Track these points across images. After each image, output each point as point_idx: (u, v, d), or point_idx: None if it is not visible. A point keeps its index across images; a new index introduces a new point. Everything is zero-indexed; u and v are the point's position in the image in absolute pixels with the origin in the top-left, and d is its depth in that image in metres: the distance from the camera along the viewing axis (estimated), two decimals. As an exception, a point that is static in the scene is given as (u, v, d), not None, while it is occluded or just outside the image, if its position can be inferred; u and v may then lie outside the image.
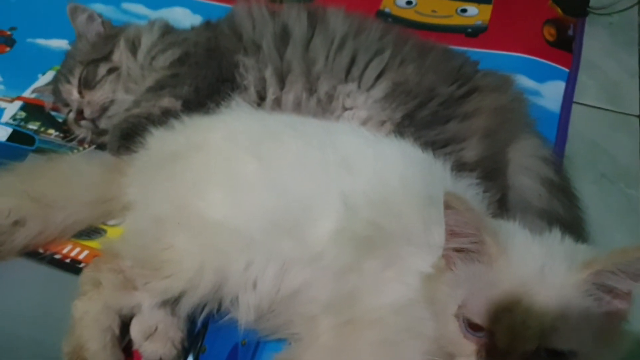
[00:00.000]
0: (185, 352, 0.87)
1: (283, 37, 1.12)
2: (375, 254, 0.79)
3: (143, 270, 0.85)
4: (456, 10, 1.59)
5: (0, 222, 0.94)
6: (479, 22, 1.55)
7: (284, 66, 1.10)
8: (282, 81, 1.10)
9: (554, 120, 1.28)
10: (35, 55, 1.41)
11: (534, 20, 1.54)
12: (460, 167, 0.97)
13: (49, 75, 1.33)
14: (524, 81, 1.33)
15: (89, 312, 0.84)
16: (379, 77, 1.08)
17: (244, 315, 0.84)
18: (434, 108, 1.04)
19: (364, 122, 1.06)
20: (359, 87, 1.08)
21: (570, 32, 1.52)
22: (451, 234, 0.68)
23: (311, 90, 1.08)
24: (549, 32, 1.50)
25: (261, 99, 1.10)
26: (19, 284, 0.96)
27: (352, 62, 1.09)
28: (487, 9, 1.60)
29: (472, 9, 1.60)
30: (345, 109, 1.08)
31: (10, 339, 0.89)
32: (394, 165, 0.88)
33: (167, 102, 1.06)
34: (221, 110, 1.04)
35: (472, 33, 1.52)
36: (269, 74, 1.10)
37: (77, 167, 1.02)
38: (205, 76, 1.09)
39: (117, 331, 0.86)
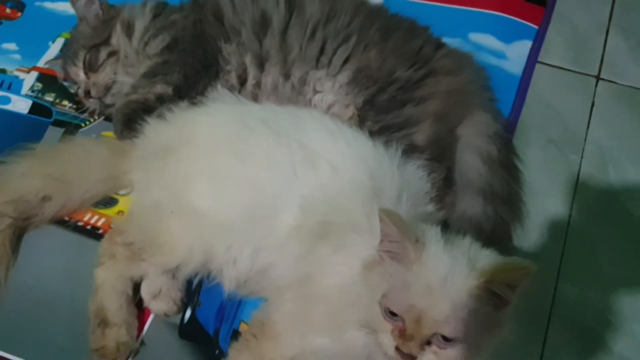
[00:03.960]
0: (184, 306, 1.11)
1: (262, 24, 1.23)
2: (327, 242, 0.97)
3: (146, 247, 1.07)
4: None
5: (31, 199, 1.15)
6: (450, -29, 1.57)
7: (263, 53, 1.22)
8: (261, 66, 1.23)
9: (514, 84, 1.37)
10: (45, 20, 1.51)
11: (511, -33, 1.56)
12: (411, 150, 1.13)
13: (58, 43, 1.47)
14: (491, 41, 1.43)
15: (107, 281, 1.07)
16: (344, 63, 1.20)
17: (227, 284, 1.06)
18: (392, 93, 1.17)
19: (331, 106, 1.21)
20: (327, 73, 1.20)
21: (547, -18, 1.55)
22: (384, 239, 0.85)
23: (287, 75, 1.22)
24: (525, -18, 1.54)
25: (242, 83, 1.24)
26: (50, 247, 1.18)
27: (322, 50, 1.20)
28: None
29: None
30: (315, 92, 1.22)
31: (47, 294, 1.12)
32: (349, 161, 1.03)
33: (159, 88, 1.21)
34: (207, 98, 1.19)
35: (443, -16, 1.55)
36: (248, 60, 1.22)
37: (89, 150, 1.20)
38: (192, 63, 1.22)
39: (130, 292, 1.09)
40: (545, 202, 1.23)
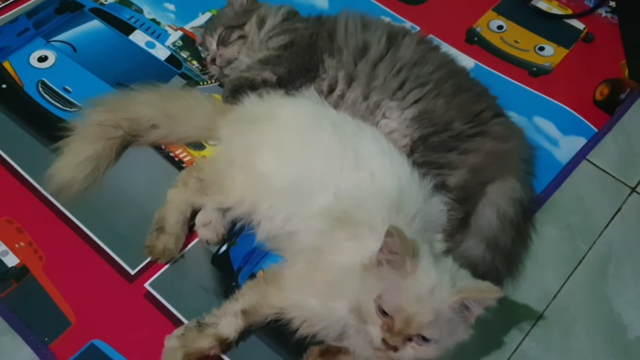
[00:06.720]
0: (223, 241, 1.38)
1: (362, 51, 1.49)
2: (344, 229, 1.20)
3: (212, 186, 1.35)
4: (535, 46, 1.81)
5: (143, 123, 1.46)
6: (547, 64, 1.76)
7: (354, 74, 1.48)
8: (349, 83, 1.48)
9: (556, 170, 1.54)
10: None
11: (595, 75, 1.73)
12: (441, 187, 1.35)
13: (206, 16, 1.81)
14: (550, 128, 1.60)
15: (175, 199, 1.36)
16: (415, 102, 1.43)
17: (260, 234, 1.32)
18: (444, 138, 1.39)
19: (392, 131, 1.44)
20: (398, 105, 1.44)
21: (623, 96, 1.69)
22: (384, 248, 1.05)
23: (366, 97, 1.46)
24: (601, 92, 1.69)
25: (330, 91, 1.50)
26: (143, 163, 1.48)
27: (401, 86, 1.44)
28: (562, 53, 1.80)
29: (549, 49, 1.80)
30: (384, 117, 1.45)
31: (127, 199, 1.42)
32: (386, 175, 1.25)
33: (267, 74, 1.50)
34: (298, 93, 1.46)
35: (535, 73, 1.74)
36: (341, 75, 1.49)
37: (200, 101, 1.50)
38: (298, 64, 1.50)
39: (188, 215, 1.36)
40: (542, 271, 1.39)
